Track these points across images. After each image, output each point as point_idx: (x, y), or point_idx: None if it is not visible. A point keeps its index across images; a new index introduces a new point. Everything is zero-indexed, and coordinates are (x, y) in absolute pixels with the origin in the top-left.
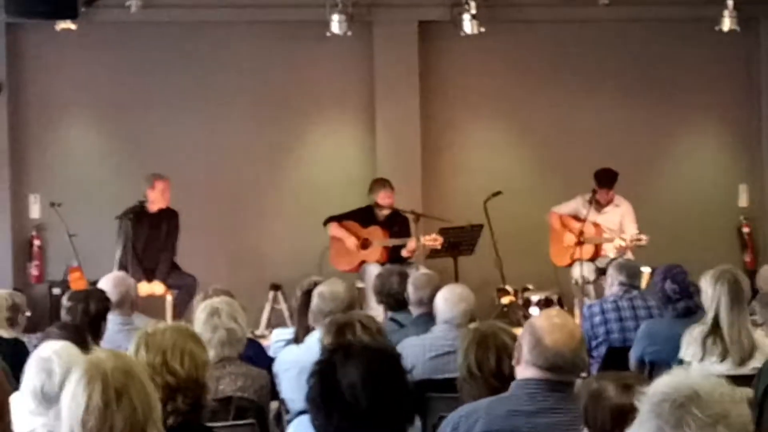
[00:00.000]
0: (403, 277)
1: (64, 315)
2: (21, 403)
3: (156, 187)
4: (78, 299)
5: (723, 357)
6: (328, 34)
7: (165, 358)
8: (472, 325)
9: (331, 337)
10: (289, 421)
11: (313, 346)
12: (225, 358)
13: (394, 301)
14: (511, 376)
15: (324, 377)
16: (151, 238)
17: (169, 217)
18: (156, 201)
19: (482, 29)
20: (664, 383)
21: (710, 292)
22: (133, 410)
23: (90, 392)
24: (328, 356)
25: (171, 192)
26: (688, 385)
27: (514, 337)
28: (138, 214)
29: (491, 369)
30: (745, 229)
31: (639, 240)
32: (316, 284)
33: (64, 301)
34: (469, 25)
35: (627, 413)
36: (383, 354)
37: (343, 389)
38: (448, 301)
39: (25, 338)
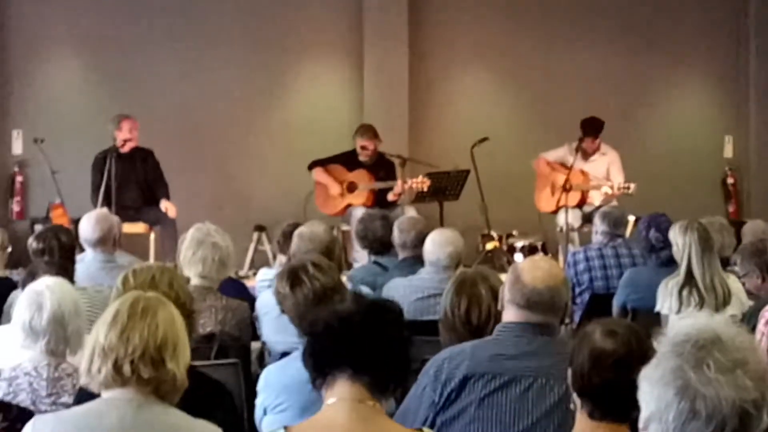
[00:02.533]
0: (387, 221)
1: (37, 255)
2: (10, 336)
3: (123, 128)
4: (48, 237)
5: (700, 306)
6: None
7: (153, 281)
8: (460, 270)
9: (285, 280)
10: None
11: None
12: (205, 287)
13: (379, 244)
14: (479, 326)
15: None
16: (126, 179)
17: (143, 156)
18: (126, 141)
19: None
20: (687, 325)
21: (680, 242)
22: (154, 330)
23: (120, 307)
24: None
25: (155, 131)
26: (712, 329)
27: (494, 289)
28: (113, 155)
29: (461, 315)
30: (730, 180)
31: (627, 188)
32: (296, 226)
33: (33, 243)
34: None
35: (605, 357)
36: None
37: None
38: (436, 243)
39: (6, 273)
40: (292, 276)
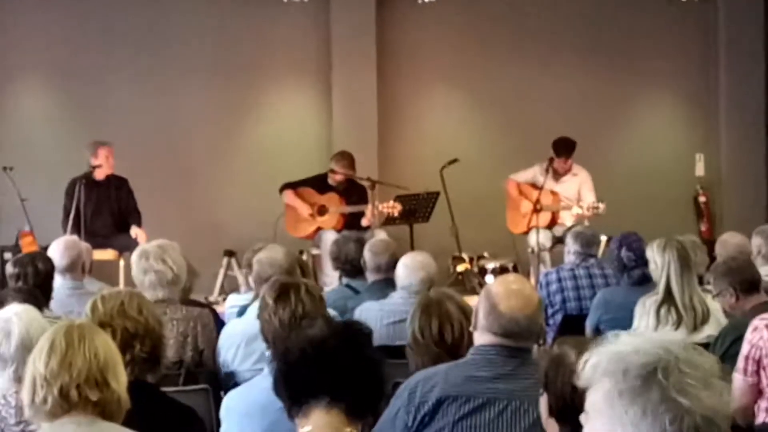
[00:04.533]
0: (360, 244)
1: (12, 281)
2: None
3: (99, 154)
4: (25, 263)
5: (677, 325)
6: None
7: (123, 307)
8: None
9: (274, 293)
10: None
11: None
12: (161, 300)
13: (351, 267)
14: (453, 344)
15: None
16: (99, 206)
17: (118, 184)
18: (96, 167)
19: None
20: (623, 353)
21: (659, 261)
22: (94, 354)
23: (55, 336)
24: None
25: (125, 158)
26: (661, 348)
27: (462, 306)
28: (87, 181)
29: (433, 336)
30: (702, 198)
31: (597, 208)
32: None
33: (10, 268)
34: None
35: None
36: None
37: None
38: (408, 267)
39: None
40: (282, 290)
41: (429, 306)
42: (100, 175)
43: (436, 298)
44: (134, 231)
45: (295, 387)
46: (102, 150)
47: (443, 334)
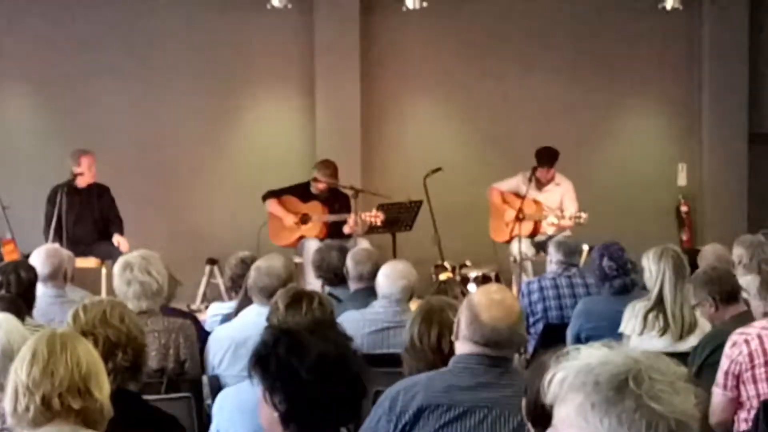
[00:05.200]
0: (343, 253)
1: None
2: None
3: (82, 163)
4: (8, 271)
5: (663, 332)
6: (268, 6)
7: (105, 316)
8: (414, 302)
9: (286, 300)
10: None
11: (248, 321)
12: (143, 311)
13: (333, 275)
14: (451, 353)
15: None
16: (81, 213)
17: (100, 192)
18: (83, 177)
19: (424, 4)
20: (594, 370)
21: (654, 269)
22: (77, 363)
23: (36, 344)
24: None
25: (108, 166)
26: (624, 357)
27: None
28: (69, 189)
29: (431, 343)
30: (683, 208)
31: (578, 218)
32: (243, 261)
33: None
34: (411, 0)
35: None
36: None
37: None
38: (388, 276)
39: None
40: (295, 298)
41: (430, 313)
42: (82, 183)
43: (437, 305)
44: (116, 239)
45: (307, 419)
46: (85, 159)
47: (441, 342)
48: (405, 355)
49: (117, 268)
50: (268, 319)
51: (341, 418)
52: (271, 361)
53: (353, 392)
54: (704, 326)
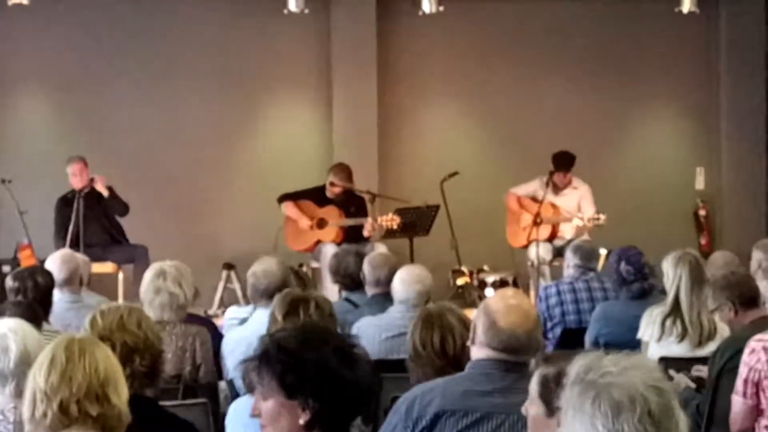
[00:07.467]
0: (360, 257)
1: (12, 295)
2: None
3: (73, 171)
4: (25, 277)
5: (681, 338)
6: (285, 11)
7: (122, 322)
8: (422, 307)
9: (283, 310)
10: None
11: (258, 324)
12: (163, 321)
13: (350, 281)
14: (455, 356)
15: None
16: (87, 218)
17: (100, 196)
18: (77, 183)
19: (441, 8)
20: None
21: (671, 273)
22: (95, 369)
23: (55, 350)
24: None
25: (125, 169)
26: (593, 357)
27: (462, 318)
28: (74, 196)
29: (435, 348)
30: (702, 212)
31: (597, 219)
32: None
33: (10, 282)
34: (428, 4)
35: None
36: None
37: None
38: (404, 281)
39: None
40: (291, 308)
41: (430, 318)
42: (80, 189)
43: (436, 311)
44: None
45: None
46: (72, 167)
47: (445, 346)
48: (409, 363)
49: (149, 273)
50: (268, 330)
51: (362, 410)
52: (290, 364)
53: (373, 380)
54: (723, 332)
